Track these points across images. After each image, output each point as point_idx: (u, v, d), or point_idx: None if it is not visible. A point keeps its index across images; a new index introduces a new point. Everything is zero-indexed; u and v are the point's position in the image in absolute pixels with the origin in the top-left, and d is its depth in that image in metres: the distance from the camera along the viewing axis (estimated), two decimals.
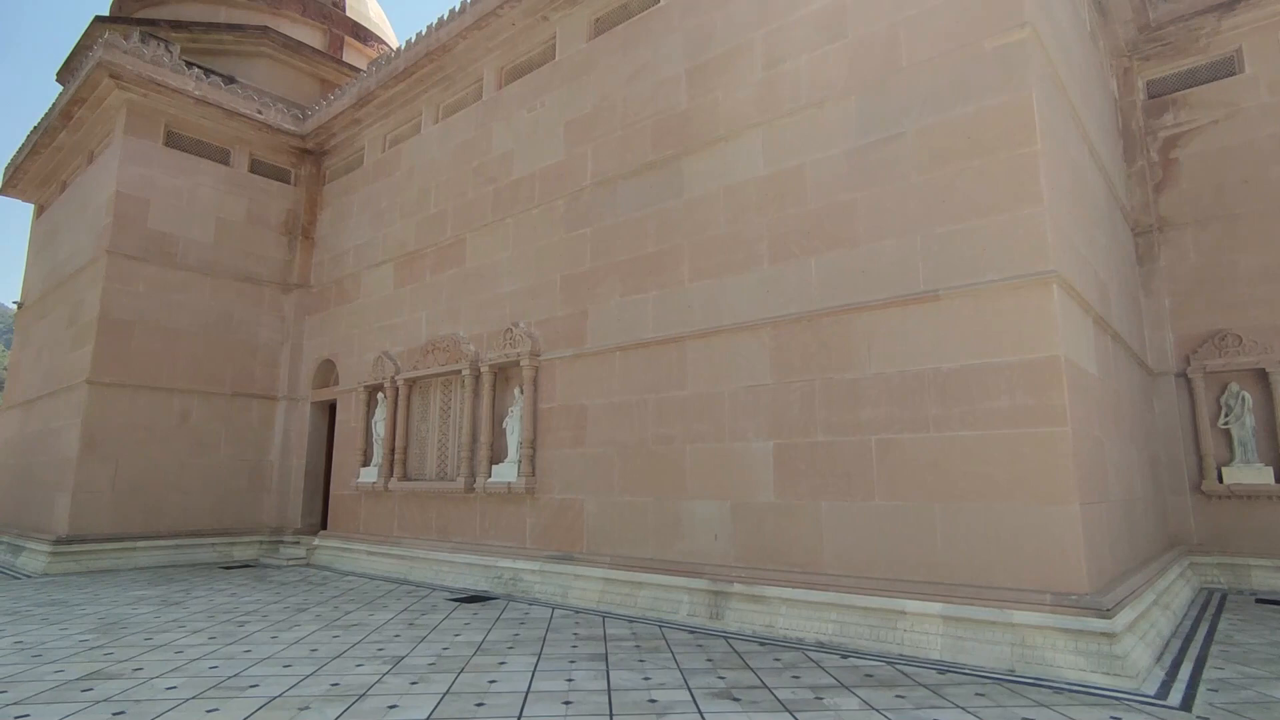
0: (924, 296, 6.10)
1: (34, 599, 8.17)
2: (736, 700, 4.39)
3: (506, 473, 9.06)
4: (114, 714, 4.09)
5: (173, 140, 12.62)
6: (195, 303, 12.55)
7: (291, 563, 11.59)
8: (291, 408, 13.35)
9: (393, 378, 11.01)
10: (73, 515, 10.80)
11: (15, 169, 15.57)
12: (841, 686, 4.69)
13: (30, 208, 17.33)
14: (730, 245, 7.48)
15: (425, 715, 4.07)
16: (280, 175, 13.97)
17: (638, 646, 5.82)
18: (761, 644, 5.95)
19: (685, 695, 4.47)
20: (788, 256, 7.02)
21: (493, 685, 4.67)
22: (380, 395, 11.36)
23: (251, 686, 4.62)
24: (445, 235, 10.93)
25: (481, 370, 9.66)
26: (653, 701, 4.35)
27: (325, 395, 13.01)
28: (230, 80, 13.45)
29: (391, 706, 4.22)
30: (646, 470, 7.76)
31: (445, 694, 4.47)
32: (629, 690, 4.57)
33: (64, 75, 15.60)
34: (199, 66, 13.27)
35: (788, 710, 4.20)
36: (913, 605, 5.66)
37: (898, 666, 5.20)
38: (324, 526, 12.69)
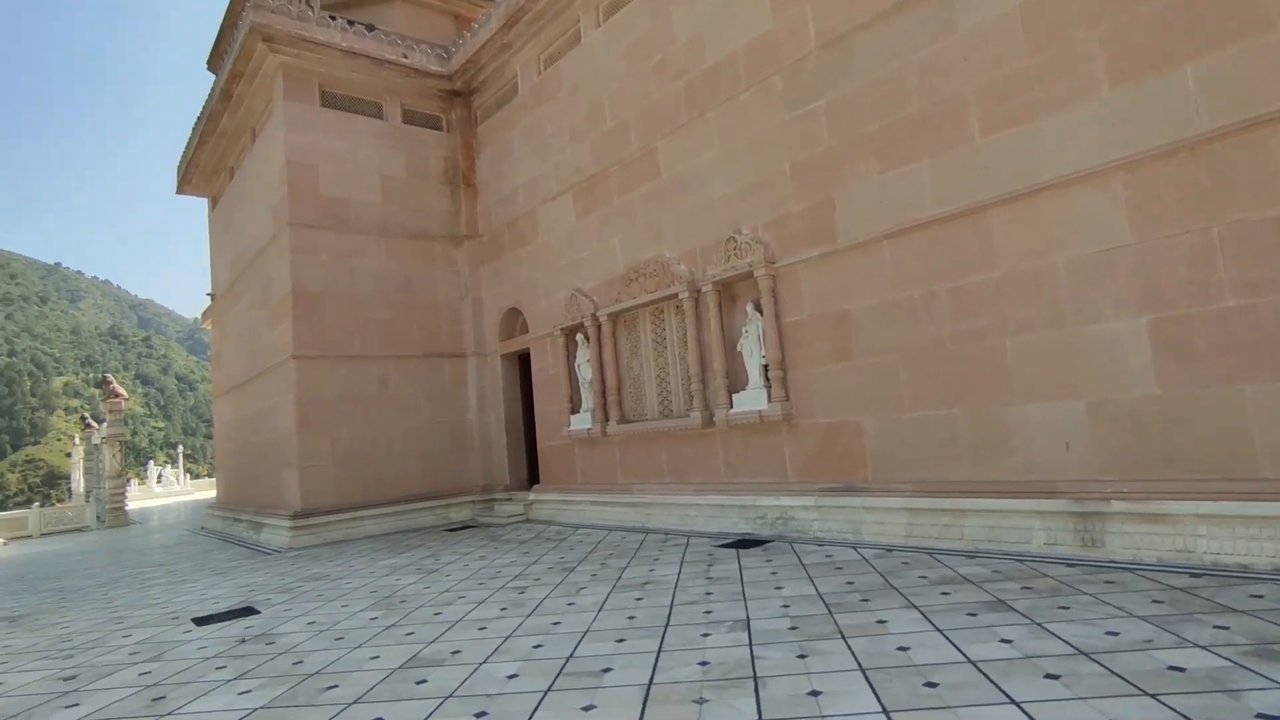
0: None
1: (295, 574, 7.98)
2: None
3: (752, 400, 7.93)
4: (476, 715, 3.31)
5: (328, 100, 12.13)
6: (373, 266, 12.18)
7: (512, 520, 11.18)
8: (481, 363, 12.88)
9: (592, 315, 10.11)
10: (303, 489, 10.82)
11: (187, 164, 15.87)
12: None
13: (204, 205, 17.85)
14: (1041, 76, 5.77)
15: (875, 707, 2.99)
16: (432, 123, 13.28)
17: (1027, 589, 4.54)
18: (1193, 575, 4.51)
19: (1212, 658, 3.15)
20: (1142, 71, 5.25)
21: (909, 654, 3.55)
22: (580, 336, 10.51)
23: (604, 670, 3.74)
24: (630, 149, 9.74)
25: (702, 290, 8.51)
26: (1178, 669, 3.06)
27: (514, 346, 12.40)
28: (371, 28, 12.75)
29: (814, 693, 3.18)
30: (946, 376, 6.36)
31: (865, 670, 3.39)
32: (1115, 652, 3.31)
33: (214, 61, 15.61)
34: (339, 18, 12.62)
35: None
36: None
37: None
38: (533, 481, 12.24)
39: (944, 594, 4.61)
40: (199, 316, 25.25)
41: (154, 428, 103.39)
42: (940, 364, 6.40)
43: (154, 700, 3.97)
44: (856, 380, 7.07)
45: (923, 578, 5.11)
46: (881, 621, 4.14)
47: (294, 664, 4.40)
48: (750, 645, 3.92)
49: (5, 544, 17.52)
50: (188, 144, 15.63)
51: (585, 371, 10.40)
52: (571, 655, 4.05)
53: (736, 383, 8.27)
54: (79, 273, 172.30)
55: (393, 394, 12.03)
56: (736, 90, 8.29)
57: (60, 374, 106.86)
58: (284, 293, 11.47)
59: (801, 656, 3.67)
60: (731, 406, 8.19)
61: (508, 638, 4.55)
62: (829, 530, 7.04)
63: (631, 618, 4.75)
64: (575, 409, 10.71)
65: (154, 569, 9.87)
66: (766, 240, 7.88)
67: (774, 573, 5.71)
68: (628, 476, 9.77)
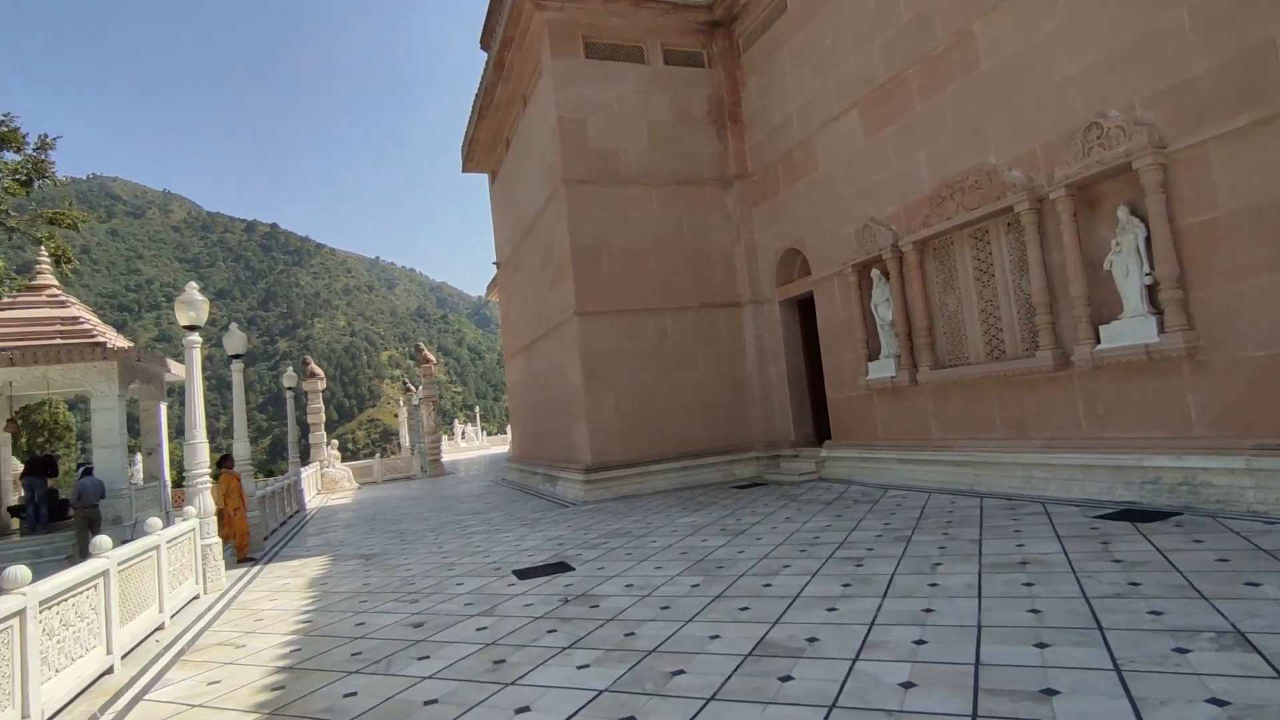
0: None
1: (597, 529, 7.91)
2: None
3: (1133, 332, 6.11)
4: None
5: (591, 50, 11.93)
6: (644, 216, 11.87)
7: (804, 478, 10.32)
8: (758, 311, 12.09)
9: (892, 246, 8.74)
10: (592, 444, 10.96)
11: (470, 142, 17.03)
12: None
13: (485, 183, 19.19)
14: None
15: None
16: (693, 60, 12.56)
17: None
18: None
19: None
20: None
21: None
22: (876, 272, 9.19)
23: (1048, 692, 2.69)
24: (935, 40, 8.11)
25: (1048, 198, 6.76)
26: None
27: (794, 291, 11.41)
28: None
29: None
30: None
31: None
32: None
33: (485, 39, 16.39)
34: None
35: None
36: None
37: None
38: (820, 436, 11.27)
39: None
40: (484, 293, 27.98)
41: (454, 392, 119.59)
42: None
43: (495, 664, 3.73)
44: None
45: None
46: None
47: (625, 635, 3.95)
48: None
49: (359, 488, 20.81)
50: (468, 123, 16.73)
51: (884, 312, 9.09)
52: (979, 662, 3.05)
53: (1103, 311, 6.47)
54: (392, 263, 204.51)
55: (670, 346, 11.74)
56: None
57: (385, 349, 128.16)
58: (563, 250, 11.62)
59: None
60: (1098, 341, 6.43)
61: (871, 625, 3.67)
62: (1273, 502, 5.14)
63: (1035, 612, 3.60)
64: (873, 355, 9.46)
65: (470, 517, 10.63)
66: (1150, 120, 5.93)
67: (1222, 560, 4.14)
68: (944, 431, 8.37)
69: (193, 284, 7.22)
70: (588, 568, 5.90)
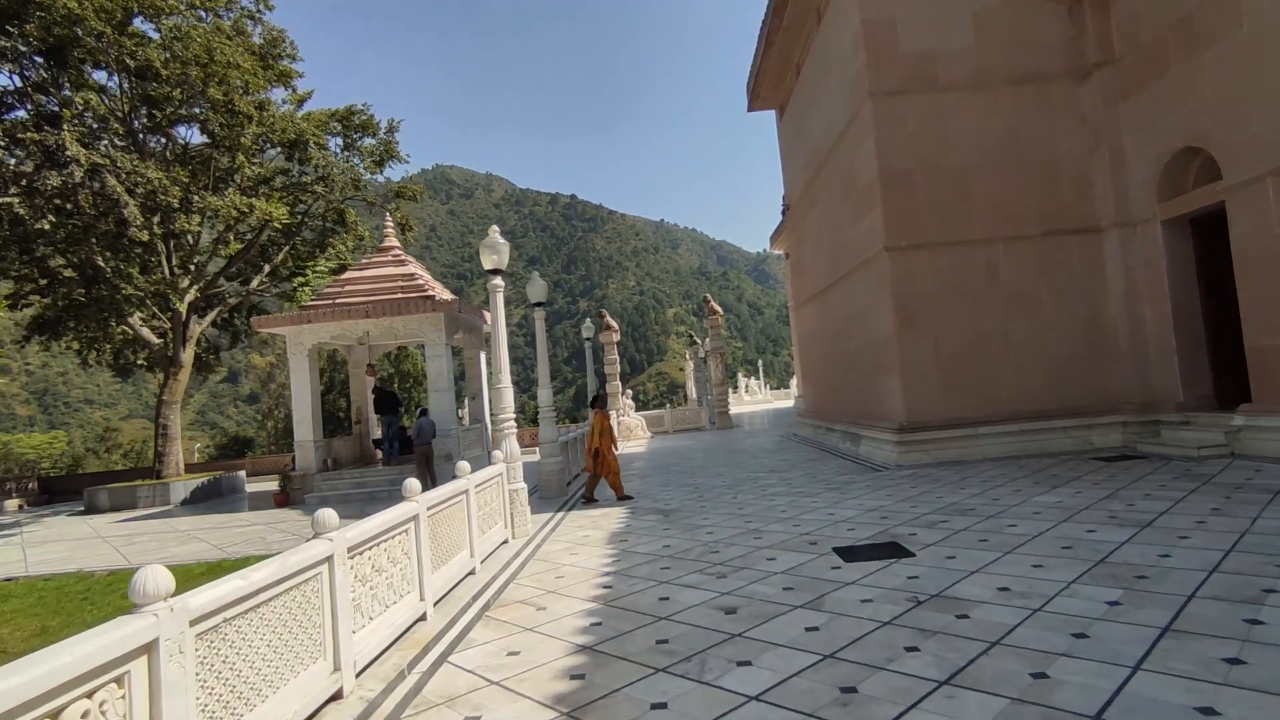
0: None
1: (925, 501, 6.55)
2: None
3: None
4: None
5: None
6: (969, 128, 9.78)
7: (1205, 452, 7.74)
8: (1127, 236, 9.39)
9: None
10: (906, 400, 9.43)
11: (755, 75, 15.89)
12: None
13: (771, 131, 17.93)
14: None
15: None
16: None
17: None
18: None
19: None
20: None
21: None
22: None
23: None
24: None
25: None
26: None
27: (1187, 205, 8.59)
28: None
29: None
30: None
31: None
32: None
33: None
34: None
35: None
36: None
37: None
38: (1223, 398, 8.45)
39: None
40: (766, 247, 27.04)
41: (734, 347, 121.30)
42: None
43: (843, 693, 2.75)
44: None
45: None
46: None
47: (1034, 677, 2.70)
48: None
49: (651, 437, 21.42)
50: (754, 55, 15.58)
51: None
52: None
53: None
54: (675, 224, 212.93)
55: (1003, 284, 9.64)
56: None
57: (670, 306, 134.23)
58: (869, 176, 10.05)
59: None
60: None
61: None
62: None
63: None
64: None
65: (767, 475, 9.82)
66: None
67: None
68: None
69: (494, 227, 7.23)
70: (931, 554, 4.66)
